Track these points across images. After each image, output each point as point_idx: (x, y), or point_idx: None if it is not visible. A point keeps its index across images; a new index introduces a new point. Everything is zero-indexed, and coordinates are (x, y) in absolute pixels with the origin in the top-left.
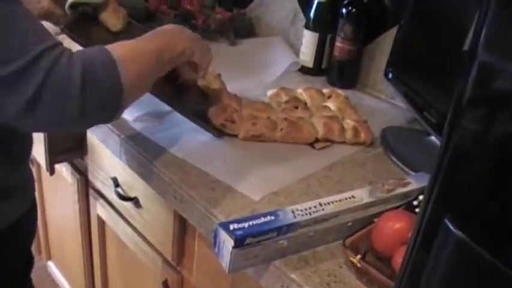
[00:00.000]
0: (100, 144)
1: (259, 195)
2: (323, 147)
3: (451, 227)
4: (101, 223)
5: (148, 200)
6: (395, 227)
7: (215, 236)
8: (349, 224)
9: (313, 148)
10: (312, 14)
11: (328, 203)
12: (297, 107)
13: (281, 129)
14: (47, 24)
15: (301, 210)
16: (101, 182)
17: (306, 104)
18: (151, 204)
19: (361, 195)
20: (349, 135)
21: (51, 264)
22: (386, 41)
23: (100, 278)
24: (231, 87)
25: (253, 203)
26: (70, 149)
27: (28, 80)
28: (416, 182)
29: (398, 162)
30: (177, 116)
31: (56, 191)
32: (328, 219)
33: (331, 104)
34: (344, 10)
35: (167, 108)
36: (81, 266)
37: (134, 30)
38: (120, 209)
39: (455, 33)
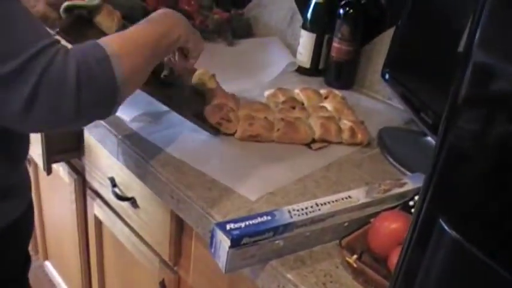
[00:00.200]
0: (97, 144)
1: (256, 195)
2: (320, 148)
3: (445, 227)
4: (98, 223)
5: (145, 200)
6: (392, 227)
7: (212, 236)
8: (346, 224)
9: (310, 148)
10: (309, 15)
11: (325, 203)
12: (294, 108)
13: (278, 130)
14: None
15: (298, 210)
16: (98, 182)
17: (303, 104)
18: (149, 205)
19: (358, 195)
20: (346, 135)
21: (48, 264)
22: (384, 42)
23: (97, 278)
24: (229, 88)
25: (250, 203)
26: (67, 149)
27: (25, 79)
28: (412, 182)
29: (395, 163)
30: (174, 116)
31: (53, 191)
32: (325, 219)
33: (328, 105)
34: (341, 11)
35: (164, 108)
36: (78, 266)
37: None
38: (117, 209)
39: (453, 34)
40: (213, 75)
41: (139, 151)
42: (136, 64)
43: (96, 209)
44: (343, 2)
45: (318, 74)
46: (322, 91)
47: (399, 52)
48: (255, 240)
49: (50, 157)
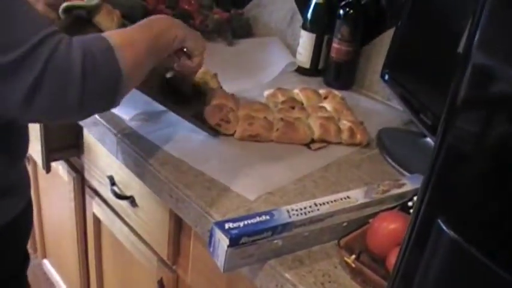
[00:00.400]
0: (96, 142)
1: (254, 194)
2: (319, 148)
3: (444, 227)
4: (97, 221)
5: (144, 199)
6: (390, 227)
7: (210, 235)
8: (344, 224)
9: (309, 149)
10: (309, 15)
11: (324, 203)
12: (293, 108)
13: (277, 130)
14: None
15: (297, 210)
16: (97, 180)
17: (302, 104)
18: (147, 203)
19: (357, 195)
20: (345, 136)
21: (46, 262)
22: (383, 43)
23: (95, 277)
24: (229, 88)
25: (248, 202)
26: (66, 147)
27: (29, 68)
28: (411, 183)
29: (394, 164)
30: (174, 116)
31: (52, 189)
32: (323, 219)
33: (327, 105)
34: (341, 11)
35: (163, 107)
36: (77, 264)
37: None
38: (116, 208)
39: (453, 35)
40: (215, 75)
41: (139, 150)
42: (138, 58)
43: (95, 208)
44: (343, 3)
45: (317, 74)
46: (322, 91)
47: (399, 53)
48: (254, 239)
49: (49, 155)
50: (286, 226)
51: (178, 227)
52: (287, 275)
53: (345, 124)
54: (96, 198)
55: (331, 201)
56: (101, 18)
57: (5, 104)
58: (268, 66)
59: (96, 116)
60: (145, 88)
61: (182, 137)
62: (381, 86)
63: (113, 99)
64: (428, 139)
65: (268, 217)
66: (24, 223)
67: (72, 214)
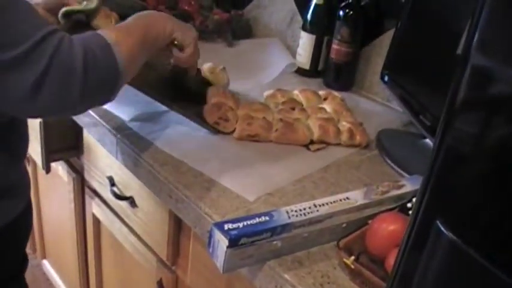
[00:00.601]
0: (96, 143)
1: (254, 195)
2: (318, 149)
3: (443, 228)
4: (97, 222)
5: (143, 200)
6: (389, 228)
7: (210, 236)
8: (344, 225)
9: (309, 150)
10: (309, 16)
11: (323, 204)
12: (293, 108)
13: (276, 130)
14: None
15: (296, 211)
16: (97, 181)
17: (302, 105)
18: (147, 204)
19: (356, 196)
20: (344, 137)
21: (46, 263)
22: (383, 44)
23: (95, 277)
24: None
25: (248, 203)
26: (66, 147)
27: (33, 63)
28: (410, 184)
29: (393, 165)
30: (173, 116)
31: (52, 190)
32: (323, 220)
33: (327, 106)
34: (341, 12)
35: (163, 108)
36: (76, 265)
37: None
38: (116, 208)
39: (452, 36)
40: (224, 69)
41: (138, 150)
42: (132, 53)
43: (95, 208)
44: (343, 4)
45: (317, 75)
46: (321, 92)
47: (398, 54)
48: (253, 240)
49: (49, 156)
50: (285, 227)
51: (177, 228)
52: (286, 276)
53: (344, 125)
54: (96, 199)
55: (331, 202)
56: (99, 22)
57: (9, 100)
58: (268, 67)
59: (96, 116)
60: (145, 88)
61: (182, 137)
62: (380, 87)
63: (111, 91)
64: (428, 140)
65: (267, 218)
66: (24, 224)
67: (72, 214)
